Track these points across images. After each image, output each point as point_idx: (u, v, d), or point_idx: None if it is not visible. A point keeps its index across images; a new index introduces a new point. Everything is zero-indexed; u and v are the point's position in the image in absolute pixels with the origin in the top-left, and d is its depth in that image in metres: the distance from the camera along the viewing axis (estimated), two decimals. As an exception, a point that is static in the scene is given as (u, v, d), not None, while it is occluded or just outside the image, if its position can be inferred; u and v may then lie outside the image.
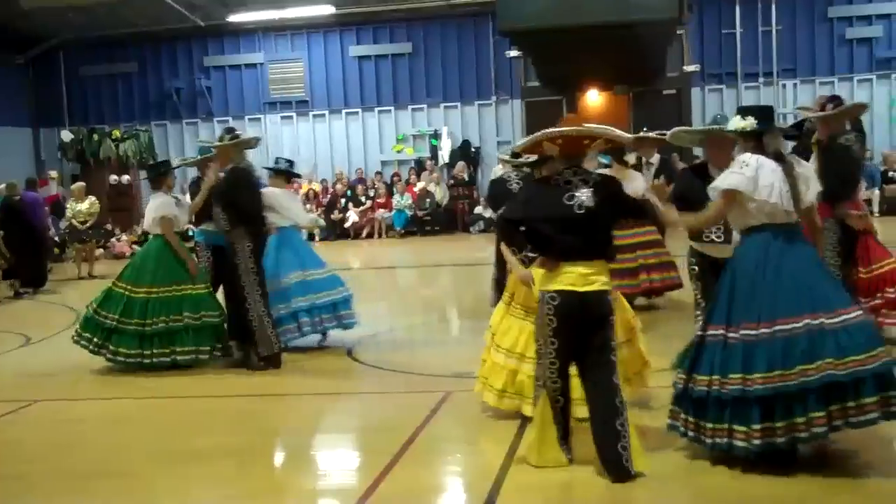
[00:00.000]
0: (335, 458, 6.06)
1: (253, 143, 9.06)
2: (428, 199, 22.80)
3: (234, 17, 23.41)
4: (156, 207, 8.62)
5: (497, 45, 22.88)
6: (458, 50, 24.19)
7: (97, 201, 17.87)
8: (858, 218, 7.21)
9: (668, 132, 6.53)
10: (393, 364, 8.36)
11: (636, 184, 9.07)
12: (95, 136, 23.49)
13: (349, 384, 8.10)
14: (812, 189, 5.38)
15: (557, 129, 5.05)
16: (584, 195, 4.94)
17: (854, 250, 7.41)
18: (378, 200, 23.10)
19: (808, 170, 5.62)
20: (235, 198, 8.18)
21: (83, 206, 17.39)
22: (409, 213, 22.86)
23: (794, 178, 5.09)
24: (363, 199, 23.25)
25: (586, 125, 5.18)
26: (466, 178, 23.25)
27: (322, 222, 21.17)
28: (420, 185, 23.18)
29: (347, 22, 24.21)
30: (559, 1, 15.43)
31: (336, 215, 22.95)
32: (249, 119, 24.99)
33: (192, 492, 5.38)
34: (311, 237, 19.59)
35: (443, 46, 24.25)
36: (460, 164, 23.33)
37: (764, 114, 5.22)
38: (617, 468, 4.84)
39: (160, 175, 8.90)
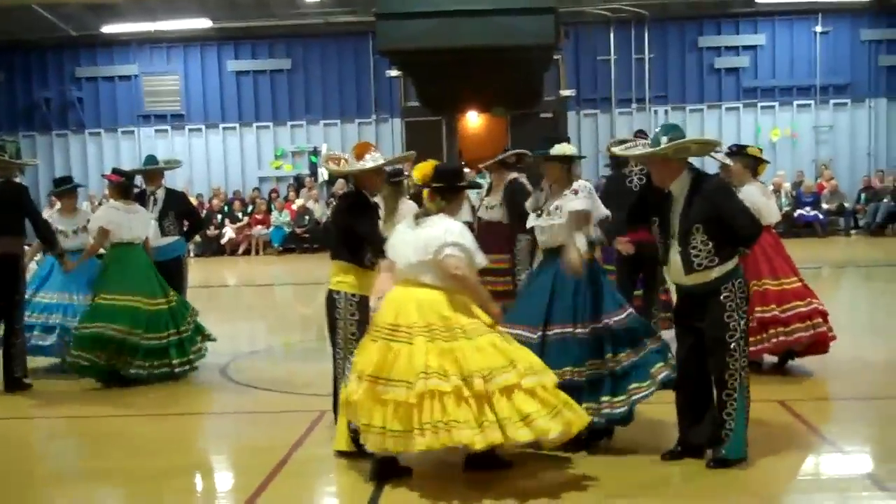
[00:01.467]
0: (205, 480, 5.93)
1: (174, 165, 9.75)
2: (307, 216, 22.63)
3: (108, 28, 22.82)
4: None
5: (377, 64, 22.93)
6: (338, 67, 24.16)
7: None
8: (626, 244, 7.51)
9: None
10: (268, 382, 8.24)
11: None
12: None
13: (221, 403, 7.96)
14: None
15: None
16: None
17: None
18: (256, 216, 22.82)
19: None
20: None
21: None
22: (287, 229, 22.65)
23: None
24: (240, 215, 22.93)
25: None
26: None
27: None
28: (299, 202, 22.99)
29: (225, 36, 23.92)
30: (437, 23, 15.54)
31: (212, 231, 22.56)
32: (123, 132, 24.42)
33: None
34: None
35: (322, 63, 24.18)
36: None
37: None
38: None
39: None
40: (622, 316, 5.70)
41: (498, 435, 4.89)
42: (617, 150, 5.57)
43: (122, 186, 8.54)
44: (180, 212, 9.28)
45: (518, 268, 9.66)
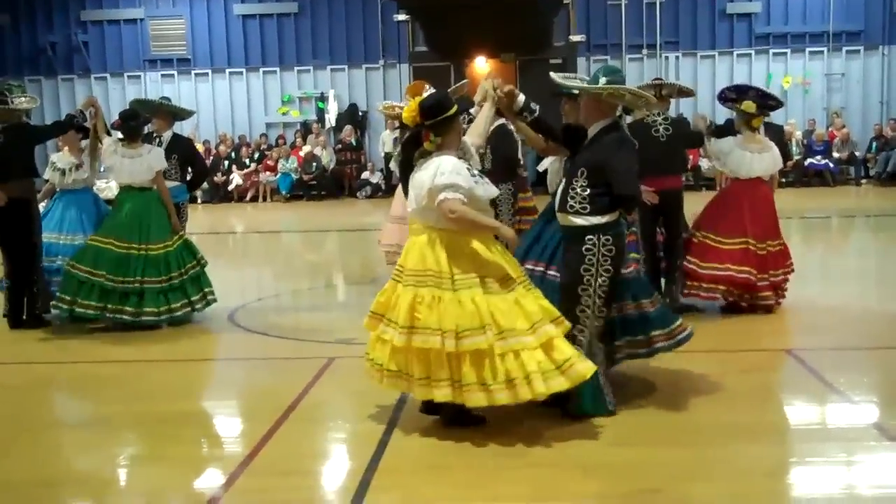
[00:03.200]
0: (215, 425, 5.95)
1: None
2: (314, 163, 22.56)
3: (114, -29, 22.59)
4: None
5: (385, 8, 22.69)
6: (345, 11, 23.91)
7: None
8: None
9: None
10: (276, 329, 8.26)
11: None
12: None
13: (229, 349, 7.99)
14: None
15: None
16: None
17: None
18: (268, 162, 22.73)
19: None
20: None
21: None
22: (294, 176, 22.59)
23: None
24: (247, 161, 22.86)
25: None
26: (353, 143, 23.09)
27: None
28: (306, 148, 22.90)
29: (232, -21, 23.66)
30: (447, -34, 15.35)
31: (219, 178, 22.51)
32: (129, 76, 24.28)
33: (61, 460, 5.22)
34: (192, 199, 19.14)
35: (330, 7, 23.94)
36: (347, 128, 23.14)
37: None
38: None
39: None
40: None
41: (462, 395, 4.93)
42: (556, 76, 5.44)
43: (123, 130, 8.42)
44: (184, 158, 9.15)
45: (500, 218, 9.63)
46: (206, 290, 8.62)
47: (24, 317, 8.45)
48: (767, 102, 8.33)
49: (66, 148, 8.97)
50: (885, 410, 5.67)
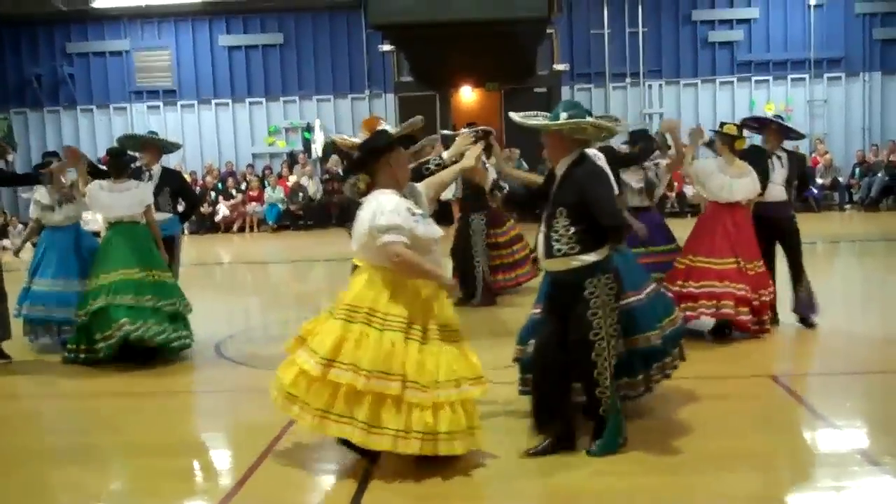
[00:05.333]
0: (200, 458, 5.93)
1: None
2: (301, 193, 22.58)
3: (99, 3, 22.66)
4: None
5: (370, 39, 22.83)
6: (330, 42, 24.04)
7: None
8: None
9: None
10: (263, 361, 8.21)
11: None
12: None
13: (215, 381, 7.94)
14: None
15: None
16: None
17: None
18: (250, 193, 22.75)
19: None
20: None
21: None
22: (281, 206, 22.60)
23: None
24: (234, 192, 22.87)
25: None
26: (340, 173, 23.10)
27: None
28: (293, 178, 22.93)
29: (217, 11, 23.79)
30: (430, -5, 15.46)
31: (206, 208, 22.50)
32: (115, 108, 24.31)
33: (46, 493, 5.18)
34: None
35: (315, 38, 24.05)
36: (334, 158, 23.12)
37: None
38: None
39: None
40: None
41: (360, 435, 4.89)
42: (515, 116, 5.40)
43: (111, 165, 8.41)
44: (175, 190, 9.20)
45: (474, 249, 10.02)
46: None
47: None
48: (789, 134, 8.64)
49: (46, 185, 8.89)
50: (871, 436, 5.70)
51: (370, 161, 5.08)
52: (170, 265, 8.70)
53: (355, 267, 5.24)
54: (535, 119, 5.34)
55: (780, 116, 8.82)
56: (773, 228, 8.43)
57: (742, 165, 8.27)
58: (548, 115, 5.30)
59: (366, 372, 4.82)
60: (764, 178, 8.40)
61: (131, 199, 8.33)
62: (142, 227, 8.39)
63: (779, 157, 8.46)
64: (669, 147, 8.50)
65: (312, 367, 4.94)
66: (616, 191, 5.47)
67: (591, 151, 5.31)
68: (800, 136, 8.89)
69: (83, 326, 8.04)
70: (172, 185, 9.17)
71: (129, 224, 8.33)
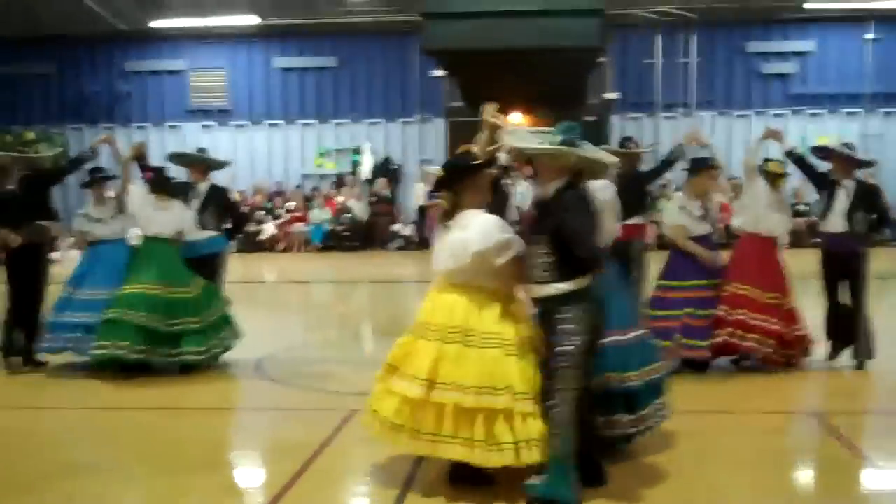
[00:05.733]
0: (234, 476, 5.96)
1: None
2: (347, 215, 22.71)
3: (157, 23, 23.06)
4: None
5: (423, 64, 22.92)
6: (383, 66, 24.21)
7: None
8: None
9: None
10: (301, 380, 8.27)
11: None
12: (8, 138, 22.85)
13: (254, 399, 8.00)
14: None
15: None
16: None
17: None
18: (296, 214, 22.93)
19: None
20: None
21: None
22: (327, 227, 22.74)
23: None
24: (281, 211, 23.06)
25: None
26: (387, 195, 23.24)
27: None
28: (340, 199, 23.08)
29: (273, 33, 24.06)
30: (483, 23, 15.47)
31: (253, 227, 22.70)
32: (169, 126, 24.66)
33: (83, 507, 5.23)
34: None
35: (368, 62, 24.25)
36: (381, 181, 23.31)
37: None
38: None
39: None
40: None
41: (474, 454, 4.87)
42: (509, 138, 5.30)
43: (153, 182, 8.69)
44: (220, 207, 9.25)
45: None
46: (225, 335, 8.72)
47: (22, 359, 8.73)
48: (858, 163, 8.45)
49: (92, 199, 9.10)
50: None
51: (455, 181, 5.15)
52: (213, 282, 8.84)
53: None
54: (530, 141, 5.19)
55: (847, 145, 8.56)
56: (833, 261, 8.31)
57: (782, 200, 8.32)
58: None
59: (474, 389, 4.86)
60: (826, 208, 8.31)
61: (171, 218, 8.60)
62: (165, 243, 8.60)
63: (845, 188, 8.29)
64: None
65: (415, 391, 4.98)
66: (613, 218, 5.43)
67: (601, 183, 5.20)
68: (868, 165, 8.75)
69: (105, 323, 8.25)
70: (218, 203, 9.23)
71: (164, 241, 8.57)
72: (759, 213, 8.27)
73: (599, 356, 5.10)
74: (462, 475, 5.15)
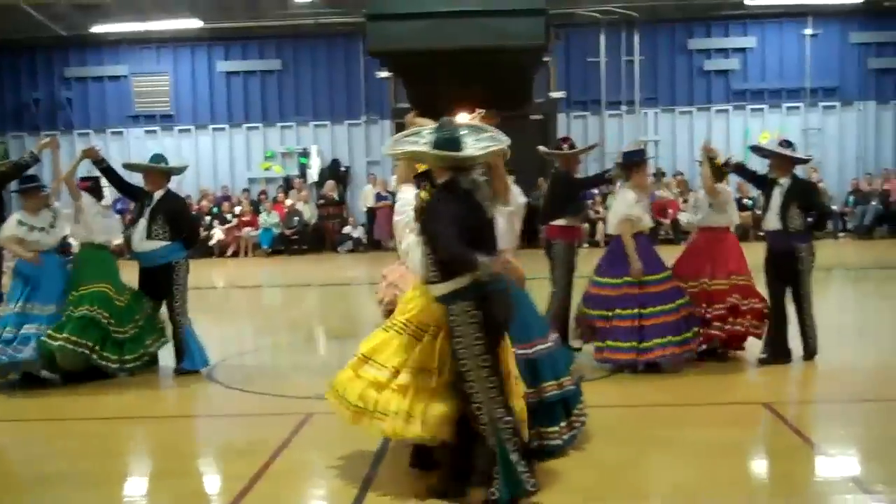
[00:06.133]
0: (188, 483, 5.89)
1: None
2: (296, 218, 22.60)
3: (98, 28, 22.73)
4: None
5: (368, 65, 22.89)
6: (328, 68, 24.14)
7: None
8: None
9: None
10: (255, 385, 8.21)
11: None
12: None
13: (207, 406, 7.95)
14: None
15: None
16: None
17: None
18: (244, 218, 22.76)
19: None
20: None
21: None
22: (276, 231, 22.61)
23: None
24: (229, 216, 22.88)
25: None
26: (336, 198, 23.17)
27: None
28: (288, 203, 22.96)
29: (216, 37, 23.87)
30: (427, 24, 15.54)
31: (201, 233, 22.49)
32: (112, 132, 24.35)
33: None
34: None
35: (313, 64, 24.16)
36: (329, 183, 23.23)
37: None
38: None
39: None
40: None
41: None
42: (386, 148, 5.33)
43: (90, 190, 8.90)
44: (169, 217, 8.83)
45: None
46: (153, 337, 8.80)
47: None
48: (794, 161, 8.51)
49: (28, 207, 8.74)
50: (863, 463, 5.68)
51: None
52: (164, 294, 8.74)
53: None
54: (408, 143, 5.06)
55: (785, 142, 8.64)
56: (773, 258, 8.42)
57: (724, 191, 8.50)
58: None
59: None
60: (764, 207, 8.47)
61: (105, 224, 8.85)
62: (104, 250, 8.81)
63: (780, 186, 8.40)
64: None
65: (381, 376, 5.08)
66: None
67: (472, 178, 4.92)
68: (804, 161, 8.86)
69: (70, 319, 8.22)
70: (167, 212, 8.82)
71: (94, 246, 8.76)
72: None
73: (535, 367, 5.28)
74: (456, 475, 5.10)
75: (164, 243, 8.77)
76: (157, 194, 8.88)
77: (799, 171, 8.62)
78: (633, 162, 8.42)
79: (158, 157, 9.20)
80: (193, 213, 21.46)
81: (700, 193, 8.89)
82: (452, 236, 4.64)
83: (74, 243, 9.02)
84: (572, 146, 9.14)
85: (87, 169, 9.28)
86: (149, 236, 8.70)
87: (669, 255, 8.61)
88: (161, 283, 8.71)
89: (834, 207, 22.26)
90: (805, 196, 8.35)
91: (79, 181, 8.89)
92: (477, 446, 4.94)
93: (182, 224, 9.03)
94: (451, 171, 4.86)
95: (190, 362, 8.64)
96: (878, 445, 6.00)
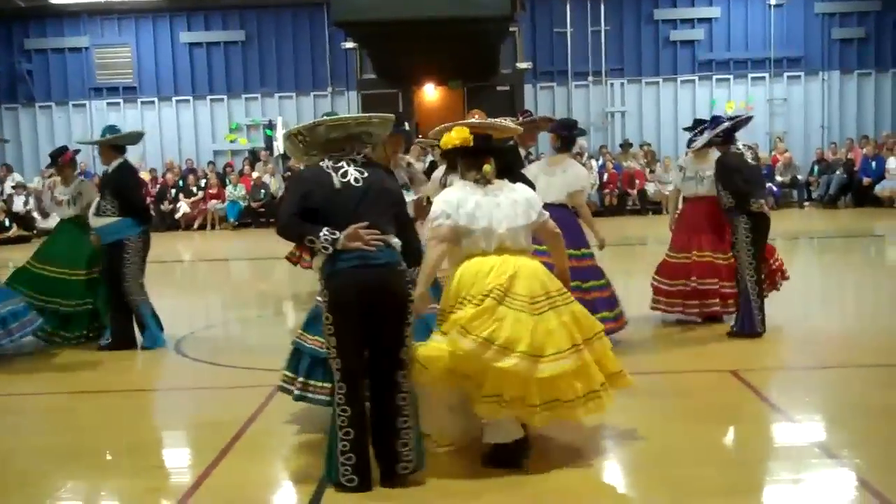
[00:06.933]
0: (158, 456, 5.87)
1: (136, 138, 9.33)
2: (262, 191, 22.45)
3: (58, -1, 22.40)
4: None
5: (333, 36, 22.74)
6: (293, 39, 23.95)
7: None
8: None
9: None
10: (223, 358, 8.18)
11: None
12: None
13: (175, 379, 7.90)
14: None
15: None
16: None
17: None
18: (210, 191, 22.59)
19: None
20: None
21: None
22: (243, 204, 22.46)
23: None
24: (194, 189, 22.70)
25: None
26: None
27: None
28: (255, 175, 22.81)
29: (178, 7, 23.59)
30: (393, -7, 15.44)
31: (166, 206, 22.31)
32: (74, 105, 24.06)
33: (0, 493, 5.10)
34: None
35: (277, 35, 23.96)
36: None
37: None
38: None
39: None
40: None
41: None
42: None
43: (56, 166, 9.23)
44: (115, 192, 8.41)
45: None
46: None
47: None
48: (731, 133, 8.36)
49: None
50: (828, 429, 5.76)
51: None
52: (118, 273, 8.40)
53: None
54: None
55: (718, 117, 8.64)
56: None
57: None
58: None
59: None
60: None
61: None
62: (73, 223, 8.99)
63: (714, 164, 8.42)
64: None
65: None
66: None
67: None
68: (579, 132, 8.77)
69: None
70: (112, 188, 8.44)
71: (65, 221, 9.09)
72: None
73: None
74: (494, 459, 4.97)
75: (112, 219, 8.41)
76: (111, 168, 8.60)
77: (761, 140, 8.68)
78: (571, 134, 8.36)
79: (108, 129, 8.88)
80: (145, 185, 21.21)
81: (686, 161, 8.94)
82: (287, 212, 4.74)
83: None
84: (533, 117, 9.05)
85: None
86: (97, 212, 8.45)
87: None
88: (112, 261, 8.39)
89: (799, 177, 22.46)
90: (720, 175, 8.22)
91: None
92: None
93: (130, 198, 8.53)
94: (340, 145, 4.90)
95: (150, 340, 8.54)
96: (842, 411, 6.08)
